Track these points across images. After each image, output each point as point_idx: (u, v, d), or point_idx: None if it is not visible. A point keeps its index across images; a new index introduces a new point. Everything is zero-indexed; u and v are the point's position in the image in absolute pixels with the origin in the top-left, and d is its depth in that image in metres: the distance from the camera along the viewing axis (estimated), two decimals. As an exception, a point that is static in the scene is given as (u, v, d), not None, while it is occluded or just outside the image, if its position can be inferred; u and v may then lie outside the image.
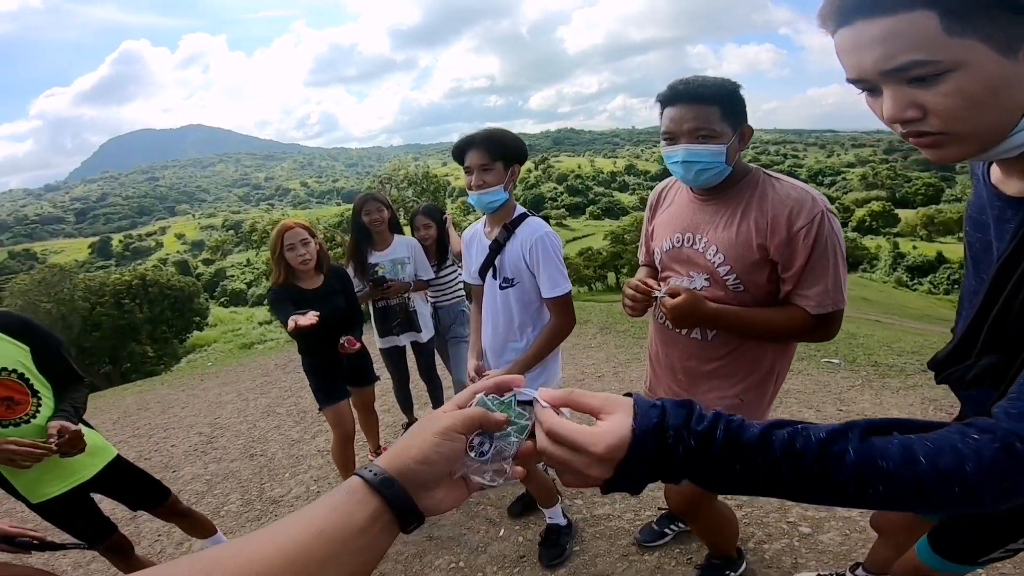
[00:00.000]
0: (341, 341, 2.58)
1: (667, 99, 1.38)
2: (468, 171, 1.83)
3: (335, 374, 2.68)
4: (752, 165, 1.44)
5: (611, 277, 44.36)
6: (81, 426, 1.76)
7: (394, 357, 3.24)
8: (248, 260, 61.15)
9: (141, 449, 4.28)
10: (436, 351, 3.38)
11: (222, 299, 52.81)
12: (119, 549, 2.04)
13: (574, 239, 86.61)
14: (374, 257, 3.01)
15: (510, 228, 1.88)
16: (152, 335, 24.56)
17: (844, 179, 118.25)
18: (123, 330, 22.86)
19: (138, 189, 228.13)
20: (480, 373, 2.01)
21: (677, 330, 1.57)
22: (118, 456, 2.03)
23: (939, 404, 3.41)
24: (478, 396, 0.58)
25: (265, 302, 2.99)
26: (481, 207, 1.87)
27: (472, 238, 2.08)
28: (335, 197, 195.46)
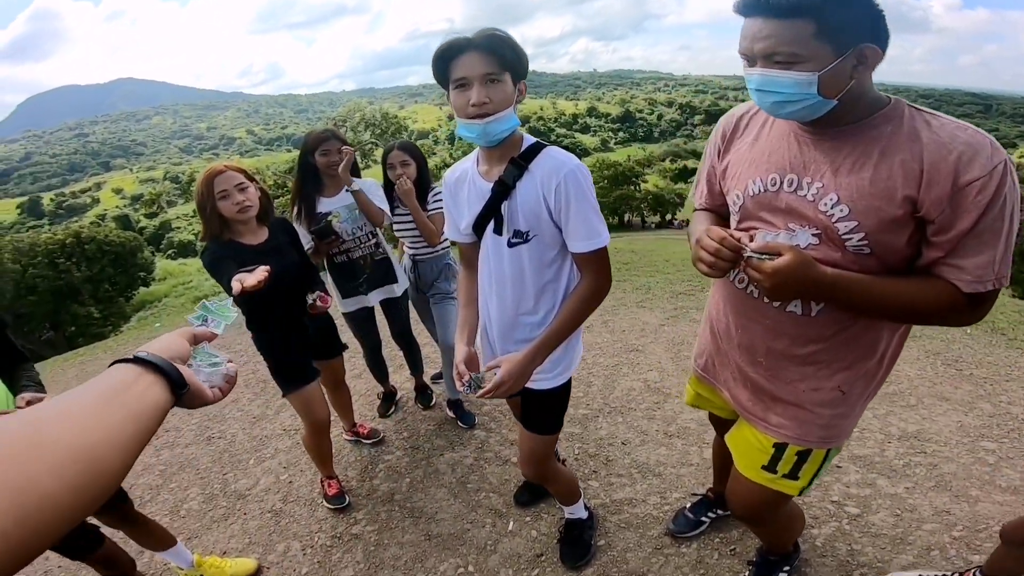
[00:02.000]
0: (310, 300, 2.12)
1: (741, 7, 1.02)
2: (462, 86, 1.26)
3: (297, 349, 2.18)
4: (892, 96, 1.04)
5: None
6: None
7: (361, 320, 2.77)
8: (193, 211, 57.79)
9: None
10: (412, 307, 2.93)
11: (169, 252, 50.09)
12: (111, 564, 1.87)
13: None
14: (323, 204, 2.49)
15: (521, 163, 1.35)
16: (95, 295, 23.02)
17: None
18: (61, 291, 21.28)
19: (66, 146, 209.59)
20: (471, 366, 1.47)
21: (767, 301, 1.19)
22: None
23: (943, 358, 3.25)
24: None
25: (204, 261, 1.91)
26: (485, 140, 1.32)
27: (458, 182, 1.52)
28: (285, 143, 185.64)
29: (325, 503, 2.42)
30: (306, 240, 2.40)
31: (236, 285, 1.53)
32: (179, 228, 57.88)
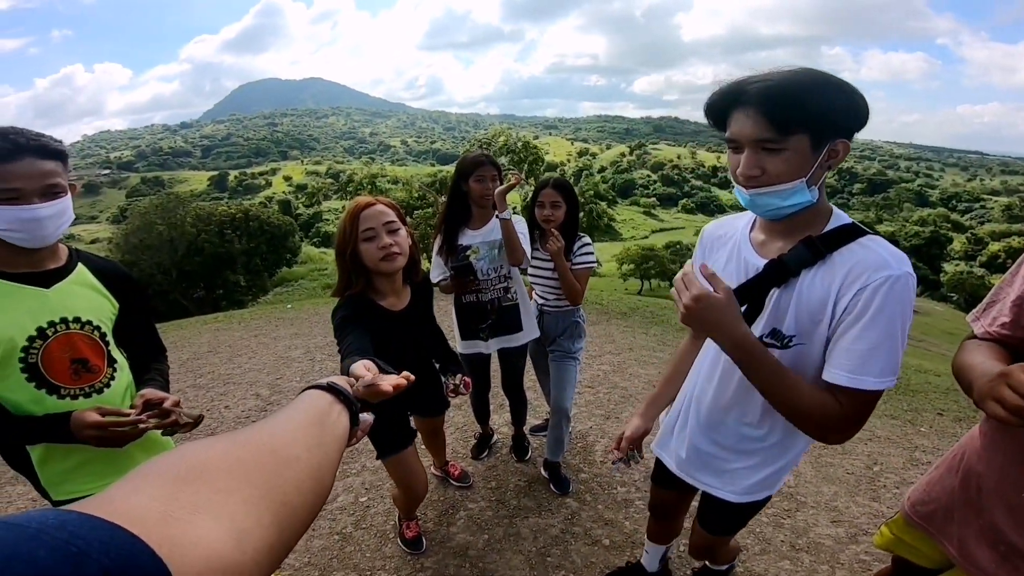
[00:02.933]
0: (453, 383, 1.89)
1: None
2: (734, 148, 1.02)
3: (400, 407, 1.94)
4: None
5: None
6: (177, 398, 1.37)
7: (476, 365, 2.55)
8: (343, 206, 64.03)
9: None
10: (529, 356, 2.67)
11: (315, 239, 55.69)
12: None
13: (662, 230, 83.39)
14: (467, 237, 2.31)
15: (818, 247, 1.02)
16: (246, 266, 26.00)
17: (984, 207, 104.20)
18: (221, 258, 24.33)
19: (258, 132, 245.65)
20: (635, 442, 1.30)
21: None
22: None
23: None
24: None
25: (334, 321, 1.57)
26: (756, 212, 1.08)
27: (719, 241, 1.25)
28: (431, 157, 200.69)
29: (399, 542, 2.25)
30: (439, 273, 2.27)
31: (362, 372, 0.95)
32: (327, 220, 64.23)
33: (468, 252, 2.29)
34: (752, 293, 1.10)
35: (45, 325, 1.25)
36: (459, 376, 1.92)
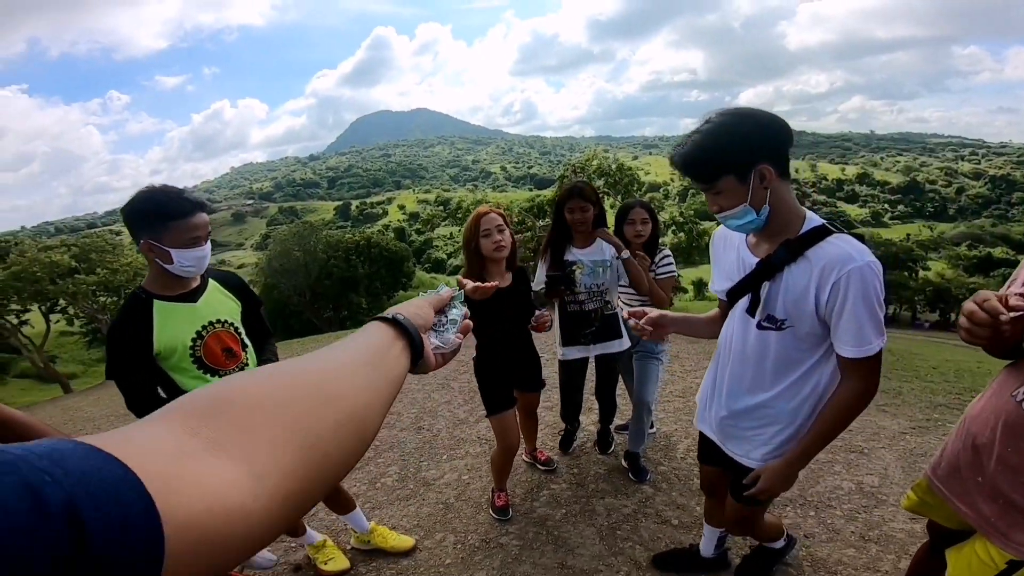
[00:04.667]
0: (537, 318, 2.40)
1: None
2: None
3: (506, 378, 2.54)
4: None
5: None
6: None
7: (573, 369, 2.90)
8: (451, 233, 67.99)
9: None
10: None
11: (426, 265, 59.39)
12: None
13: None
14: (573, 254, 2.67)
15: (795, 247, 1.32)
16: (368, 289, 28.50)
17: None
18: (347, 282, 26.99)
19: (375, 163, 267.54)
20: (647, 319, 1.70)
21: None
22: None
23: None
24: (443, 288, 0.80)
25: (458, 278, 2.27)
26: (734, 230, 1.42)
27: (725, 242, 1.57)
28: (528, 183, 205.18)
29: (491, 511, 2.71)
30: (540, 282, 2.66)
31: (468, 284, 1.86)
32: (437, 247, 68.45)
33: (573, 267, 2.65)
34: (749, 287, 1.43)
35: (200, 329, 1.75)
36: (542, 311, 2.43)
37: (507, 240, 2.32)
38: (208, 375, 1.77)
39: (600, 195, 2.77)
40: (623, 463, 3.06)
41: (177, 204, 1.61)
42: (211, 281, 1.87)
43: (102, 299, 20.10)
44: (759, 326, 1.42)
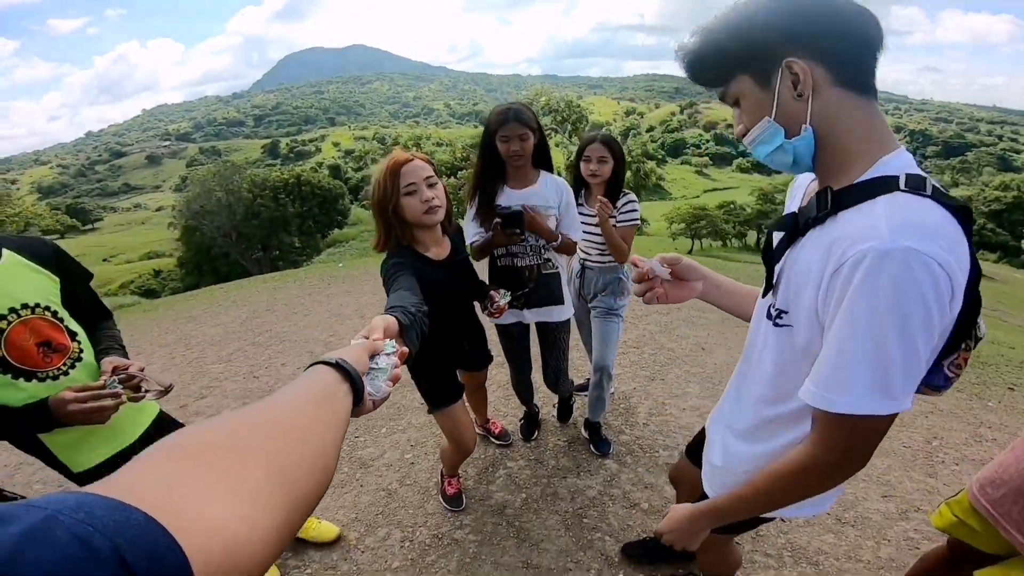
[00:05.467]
0: (493, 304, 1.90)
1: None
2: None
3: (449, 362, 1.99)
4: None
5: (751, 236, 39.88)
6: (142, 364, 1.40)
7: (514, 337, 2.38)
8: (389, 173, 65.37)
9: (254, 364, 4.22)
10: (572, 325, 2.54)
11: (363, 202, 57.07)
12: None
13: (714, 190, 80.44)
14: (506, 196, 2.11)
15: (835, 201, 0.80)
16: (300, 228, 27.10)
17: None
18: (276, 222, 25.40)
19: (306, 101, 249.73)
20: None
21: None
22: (161, 412, 1.66)
23: None
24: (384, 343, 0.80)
25: (384, 272, 1.57)
26: (769, 165, 0.89)
27: (793, 192, 1.05)
28: (473, 119, 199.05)
29: (441, 499, 2.33)
30: (473, 234, 2.11)
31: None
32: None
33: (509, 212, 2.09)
34: (774, 254, 0.93)
35: None
36: (498, 293, 1.91)
37: (441, 197, 1.66)
38: (23, 381, 1.27)
39: (549, 132, 2.17)
40: (583, 433, 2.73)
41: None
42: (6, 252, 1.31)
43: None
44: (767, 315, 0.94)
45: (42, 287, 1.35)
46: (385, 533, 2.20)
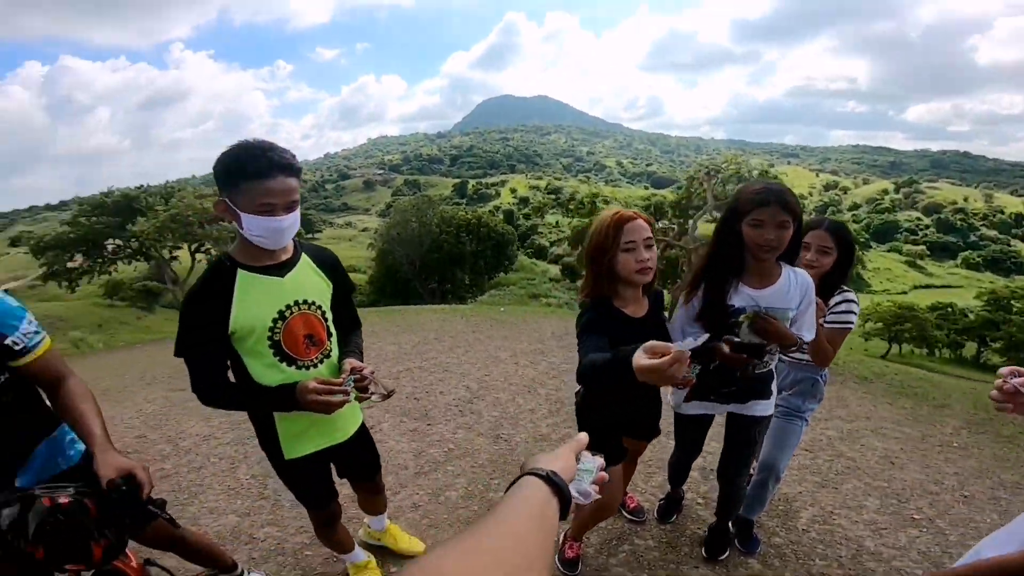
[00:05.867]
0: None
1: None
2: None
3: (618, 424, 1.96)
4: None
5: (968, 348, 32.51)
6: (373, 368, 1.62)
7: (697, 426, 2.22)
8: (556, 222, 67.85)
9: (416, 386, 4.75)
10: None
11: (529, 250, 59.86)
12: (333, 518, 1.91)
13: (928, 286, 68.40)
14: (742, 294, 1.78)
15: None
16: (472, 266, 29.38)
17: None
18: (454, 257, 27.94)
19: (493, 146, 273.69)
20: None
21: None
22: (363, 423, 1.91)
23: None
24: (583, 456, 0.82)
25: (579, 324, 1.66)
26: None
27: None
28: (645, 180, 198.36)
29: (557, 561, 2.31)
30: (692, 335, 1.61)
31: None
32: (542, 234, 68.69)
33: (741, 317, 1.79)
34: None
35: (284, 308, 1.52)
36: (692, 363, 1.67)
37: (655, 260, 1.69)
38: (285, 364, 1.55)
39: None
40: (731, 527, 2.54)
41: (254, 162, 1.33)
42: (303, 256, 1.63)
43: (237, 248, 22.89)
44: None
45: (320, 289, 1.64)
46: None
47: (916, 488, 3.06)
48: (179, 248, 24.65)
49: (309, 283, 1.61)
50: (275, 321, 1.51)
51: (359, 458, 1.93)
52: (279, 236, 1.45)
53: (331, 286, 1.69)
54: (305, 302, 1.57)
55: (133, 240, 23.24)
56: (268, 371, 1.53)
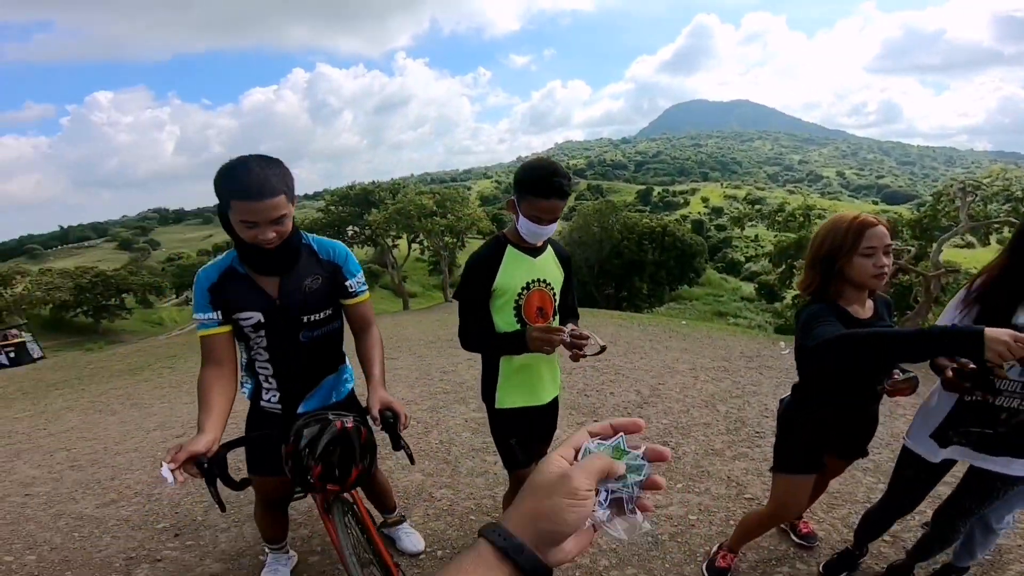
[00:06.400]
0: (895, 382, 1.72)
1: None
2: None
3: (826, 438, 1.92)
4: None
5: None
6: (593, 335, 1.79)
7: (929, 471, 1.92)
8: (756, 236, 61.67)
9: (588, 384, 5.00)
10: None
11: (719, 264, 55.54)
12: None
13: None
14: None
15: None
16: (652, 276, 28.66)
17: None
18: (634, 265, 27.61)
19: (684, 152, 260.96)
20: None
21: None
22: (557, 395, 2.17)
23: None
24: (585, 446, 0.54)
25: (802, 317, 1.69)
26: None
27: None
28: (874, 194, 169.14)
29: (704, 567, 2.31)
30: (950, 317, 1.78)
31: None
32: (737, 247, 63.17)
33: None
34: None
35: (531, 281, 1.92)
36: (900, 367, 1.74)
37: (890, 267, 1.69)
38: (519, 325, 1.93)
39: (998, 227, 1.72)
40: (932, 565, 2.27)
41: (543, 184, 1.73)
42: (549, 248, 2.04)
43: (447, 239, 26.31)
44: None
45: (556, 275, 2.02)
46: (633, 573, 2.35)
47: None
48: (400, 238, 28.91)
49: (549, 268, 2.01)
50: (523, 289, 1.92)
51: (547, 423, 2.26)
52: (539, 238, 1.90)
53: (563, 275, 2.08)
54: (544, 281, 1.97)
55: (367, 228, 28.08)
56: (507, 327, 1.94)
